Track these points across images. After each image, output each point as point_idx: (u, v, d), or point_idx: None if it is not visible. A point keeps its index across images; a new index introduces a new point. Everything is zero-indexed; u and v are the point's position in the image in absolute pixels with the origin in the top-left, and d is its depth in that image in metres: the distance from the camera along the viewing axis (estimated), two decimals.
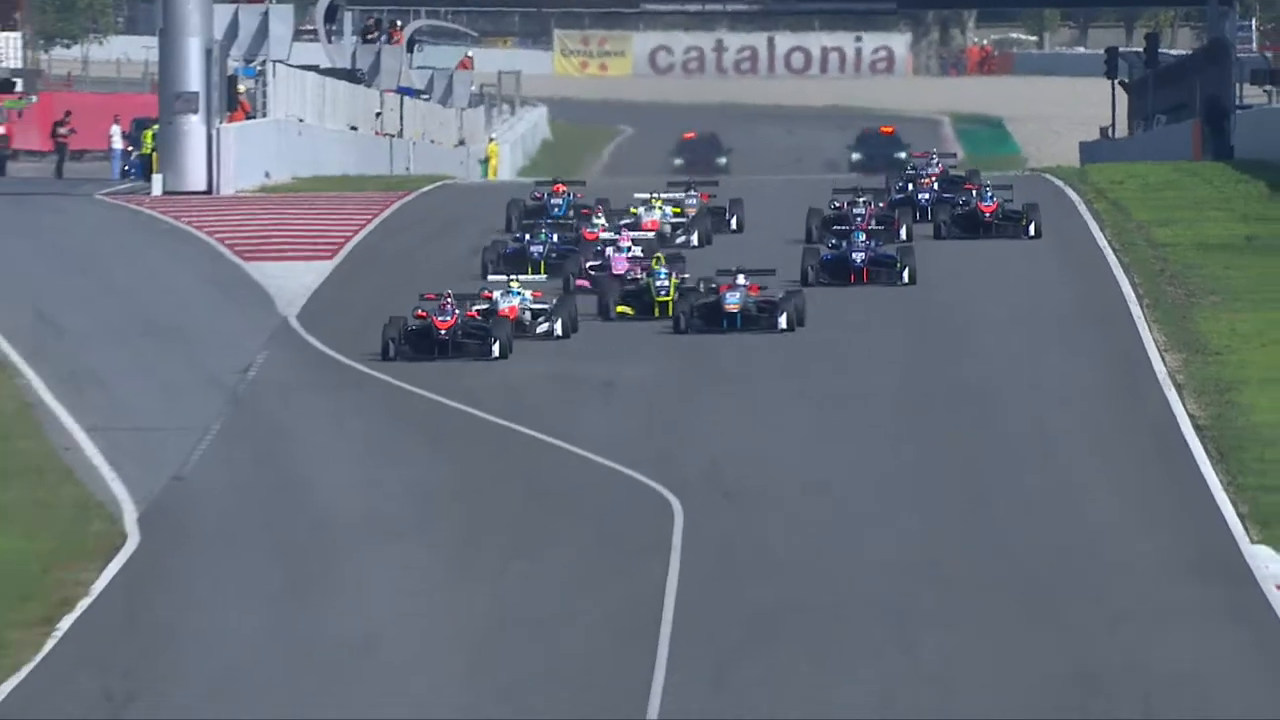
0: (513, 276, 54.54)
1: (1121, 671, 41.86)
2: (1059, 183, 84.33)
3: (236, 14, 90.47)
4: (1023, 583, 46.95)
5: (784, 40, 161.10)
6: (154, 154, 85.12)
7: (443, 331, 49.58)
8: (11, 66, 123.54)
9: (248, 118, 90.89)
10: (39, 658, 44.34)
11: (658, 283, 53.98)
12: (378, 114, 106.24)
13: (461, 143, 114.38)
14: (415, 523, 50.86)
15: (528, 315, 51.22)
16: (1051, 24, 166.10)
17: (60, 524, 53.21)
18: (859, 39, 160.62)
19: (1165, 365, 59.77)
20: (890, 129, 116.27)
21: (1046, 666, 41.94)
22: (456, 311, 50.06)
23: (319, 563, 49.67)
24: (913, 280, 52.56)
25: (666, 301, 53.92)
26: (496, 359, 47.63)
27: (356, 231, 75.91)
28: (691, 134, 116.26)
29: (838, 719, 39.36)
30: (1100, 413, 55.10)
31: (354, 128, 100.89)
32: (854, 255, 54.89)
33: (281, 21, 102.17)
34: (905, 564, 47.61)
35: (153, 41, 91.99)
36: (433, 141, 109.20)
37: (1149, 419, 55.75)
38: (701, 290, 54.06)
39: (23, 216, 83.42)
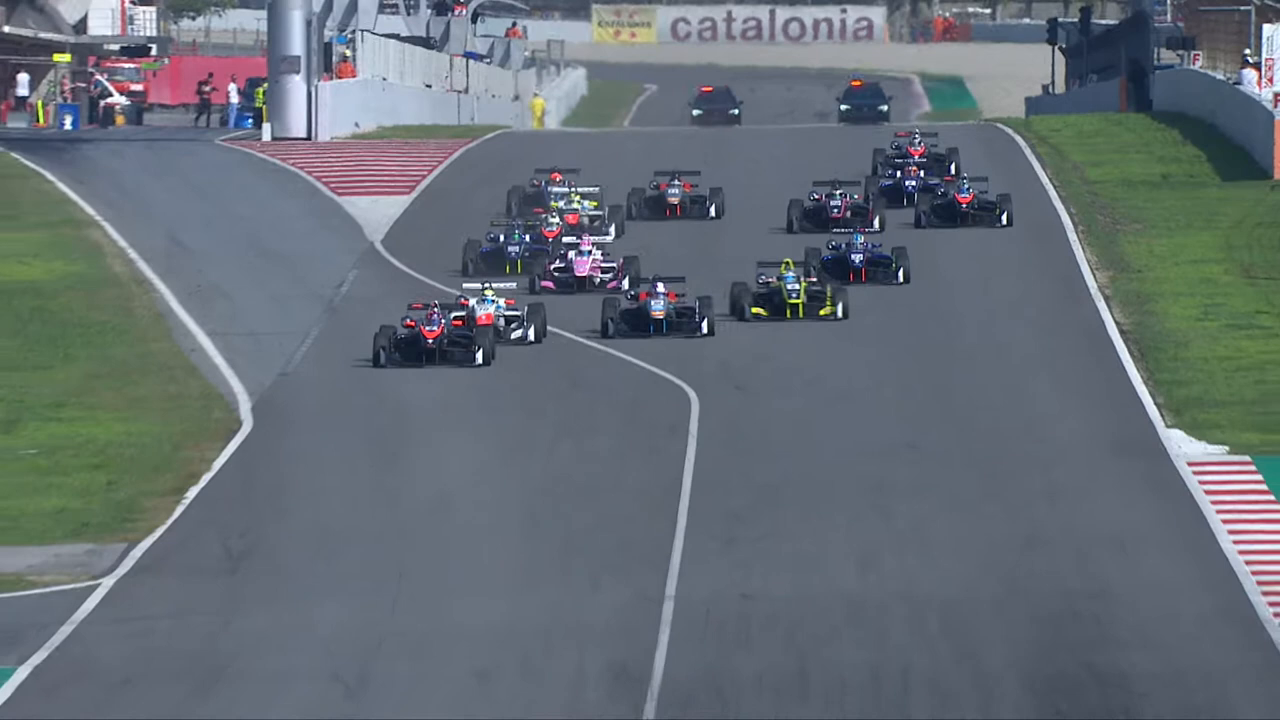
0: (486, 284, 50.67)
1: (1059, 533, 41.54)
2: (1008, 130, 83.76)
3: None
4: (979, 461, 46.93)
5: (782, 12, 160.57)
6: (264, 107, 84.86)
7: (430, 340, 47.13)
8: (148, 35, 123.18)
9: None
10: (170, 520, 44.72)
11: (788, 286, 50.38)
12: (447, 75, 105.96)
13: (516, 98, 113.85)
14: (480, 410, 50.54)
15: (502, 321, 48.51)
16: None
17: (187, 412, 53.18)
18: (844, 11, 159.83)
19: (1096, 281, 59.48)
20: (859, 82, 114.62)
21: (998, 529, 41.84)
22: (443, 321, 47.29)
23: (400, 441, 49.72)
24: (907, 280, 49.30)
25: (797, 304, 50.63)
26: (480, 365, 45.92)
27: (430, 171, 75.48)
28: (709, 88, 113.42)
29: (828, 571, 39.43)
30: (1043, 320, 54.85)
31: (428, 85, 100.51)
32: (853, 256, 51.92)
33: None
34: (885, 445, 47.64)
35: (263, 14, 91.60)
36: (493, 97, 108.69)
37: (1083, 325, 54.78)
38: (625, 299, 51.25)
39: (157, 158, 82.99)
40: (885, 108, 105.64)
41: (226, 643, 37.24)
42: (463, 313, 47.77)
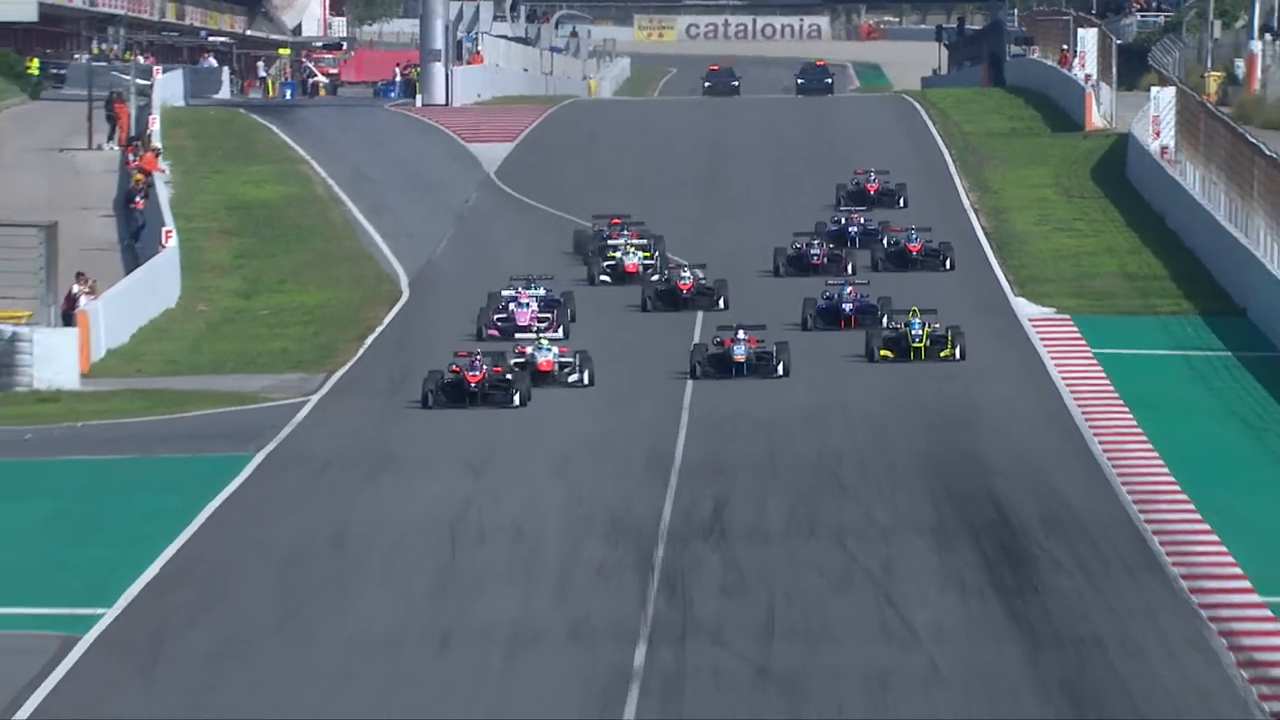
0: (540, 334, 42.32)
1: (945, 369, 40.90)
2: (910, 99, 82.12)
3: (462, 8, 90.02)
4: None
5: (761, 20, 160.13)
6: (417, 83, 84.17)
7: (473, 385, 38.89)
8: (340, 36, 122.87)
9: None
10: (353, 359, 44.49)
11: (913, 331, 42.22)
12: (538, 62, 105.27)
13: (584, 78, 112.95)
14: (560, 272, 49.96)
15: (557, 367, 40.03)
16: (906, 11, 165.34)
17: (366, 286, 51.60)
18: (802, 19, 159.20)
19: (967, 198, 58.54)
20: (822, 61, 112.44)
21: (904, 367, 41.39)
22: (484, 367, 38.95)
23: None
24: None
25: (920, 347, 42.41)
26: (517, 407, 38.19)
27: (527, 126, 74.45)
28: (716, 66, 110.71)
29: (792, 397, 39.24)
30: (934, 226, 53.97)
31: (525, 69, 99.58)
32: (844, 306, 44.37)
33: (487, 11, 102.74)
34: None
35: (417, 21, 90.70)
36: (567, 77, 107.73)
37: (959, 228, 55.15)
38: (710, 345, 42.00)
39: (347, 118, 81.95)
40: (830, 80, 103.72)
41: (390, 440, 37.81)
42: (521, 359, 39.73)
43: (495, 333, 43.15)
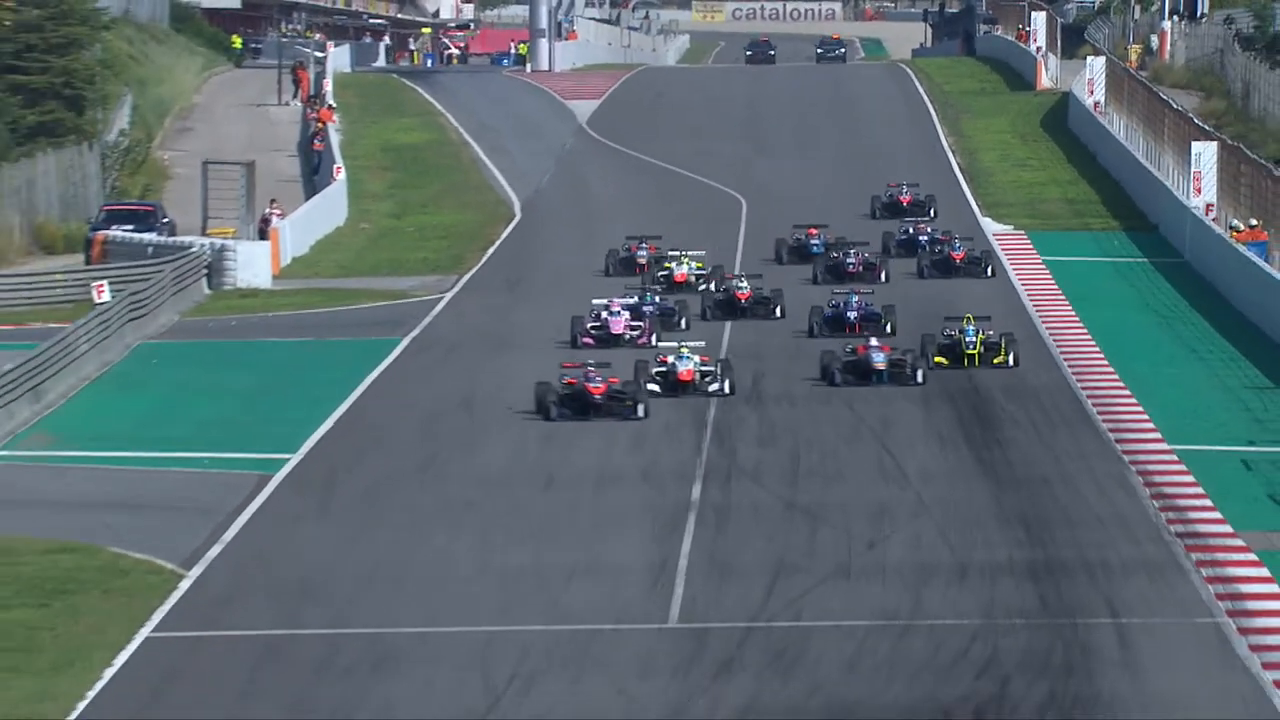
0: (681, 343, 32.24)
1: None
2: (904, 66, 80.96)
3: None
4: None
5: (790, 5, 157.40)
6: (526, 55, 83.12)
7: (596, 396, 29.74)
8: (469, 18, 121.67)
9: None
10: (478, 265, 44.31)
11: (967, 339, 33.65)
12: (619, 38, 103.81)
13: (654, 50, 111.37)
14: (633, 205, 49.73)
15: (699, 376, 31.00)
16: None
17: (487, 209, 51.05)
18: (819, 4, 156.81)
19: (946, 142, 57.65)
20: (837, 35, 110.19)
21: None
22: (603, 379, 29.90)
23: (603, 221, 48.67)
24: (893, 333, 34.14)
25: (974, 354, 33.76)
26: (641, 419, 29.54)
27: (610, 86, 73.58)
28: (762, 39, 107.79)
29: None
30: (915, 163, 53.45)
31: (609, 44, 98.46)
32: (849, 314, 35.25)
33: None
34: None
35: (527, 7, 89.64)
36: (641, 50, 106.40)
37: (938, 164, 54.77)
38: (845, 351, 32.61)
39: (473, 81, 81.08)
40: (842, 51, 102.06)
41: (508, 326, 37.76)
42: (663, 369, 31.40)
43: (590, 341, 34.95)
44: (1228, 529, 22.26)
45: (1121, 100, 58.55)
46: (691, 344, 31.41)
